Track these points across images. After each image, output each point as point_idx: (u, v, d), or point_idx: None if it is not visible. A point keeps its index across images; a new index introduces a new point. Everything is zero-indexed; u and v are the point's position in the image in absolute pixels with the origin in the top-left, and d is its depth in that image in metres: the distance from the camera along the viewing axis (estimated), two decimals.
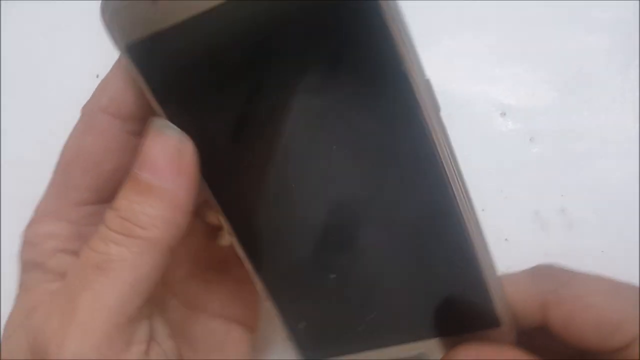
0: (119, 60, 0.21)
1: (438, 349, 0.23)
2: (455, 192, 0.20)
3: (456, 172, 0.20)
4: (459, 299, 0.22)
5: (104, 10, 0.19)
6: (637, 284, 0.22)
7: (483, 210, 0.33)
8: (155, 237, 0.19)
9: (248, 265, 0.23)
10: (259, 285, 0.23)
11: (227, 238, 0.26)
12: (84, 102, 0.36)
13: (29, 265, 0.23)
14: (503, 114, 0.34)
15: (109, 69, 0.37)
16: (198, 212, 0.26)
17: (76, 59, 0.36)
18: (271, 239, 0.22)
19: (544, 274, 0.22)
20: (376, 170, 0.21)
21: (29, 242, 0.23)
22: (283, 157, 0.20)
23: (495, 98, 0.34)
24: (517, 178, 0.33)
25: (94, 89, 0.22)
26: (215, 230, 0.27)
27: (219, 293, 0.26)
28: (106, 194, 0.22)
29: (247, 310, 0.27)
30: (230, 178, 0.21)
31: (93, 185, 0.22)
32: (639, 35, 0.34)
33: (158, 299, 0.23)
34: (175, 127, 0.20)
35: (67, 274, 0.21)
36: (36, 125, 0.35)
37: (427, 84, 0.19)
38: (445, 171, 0.20)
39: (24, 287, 0.23)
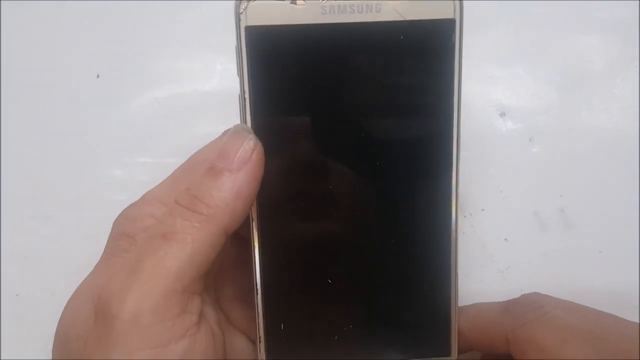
0: None
1: None
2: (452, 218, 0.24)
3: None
4: (425, 325, 0.25)
5: None
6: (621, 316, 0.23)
7: (483, 210, 0.33)
8: (215, 216, 0.22)
9: (254, 253, 0.24)
10: (256, 275, 0.24)
11: None
12: (83, 102, 0.36)
13: (120, 235, 0.25)
14: (503, 114, 0.34)
15: (109, 68, 0.38)
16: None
17: (76, 59, 0.36)
18: (286, 237, 0.25)
19: (516, 308, 0.25)
20: (381, 189, 0.24)
21: (128, 217, 0.25)
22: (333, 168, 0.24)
23: (495, 98, 0.34)
24: (516, 178, 0.33)
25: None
26: None
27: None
28: None
29: None
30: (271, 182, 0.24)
31: None
32: (639, 35, 0.34)
33: (212, 299, 0.26)
34: (251, 130, 0.24)
35: (137, 240, 0.24)
36: (36, 125, 0.35)
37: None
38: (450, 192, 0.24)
39: (107, 253, 0.25)
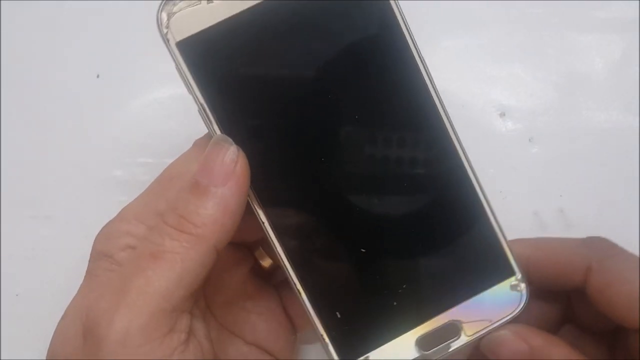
0: None
1: (464, 313, 0.25)
2: (464, 161, 0.24)
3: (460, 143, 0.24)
4: (478, 258, 0.25)
5: (161, 9, 0.22)
6: None
7: None
8: (204, 235, 0.22)
9: (284, 262, 0.24)
10: (292, 278, 0.24)
11: (267, 260, 0.28)
12: (83, 102, 0.36)
13: (100, 254, 0.24)
14: (502, 115, 0.34)
15: (109, 68, 0.38)
16: (249, 246, 0.29)
17: (76, 59, 0.36)
18: (308, 232, 0.24)
19: (595, 244, 0.25)
20: (398, 149, 0.24)
21: (106, 235, 0.25)
22: (323, 153, 0.24)
23: (495, 98, 0.34)
24: (516, 178, 0.33)
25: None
26: (263, 266, 0.29)
27: (255, 323, 0.28)
28: None
29: (280, 342, 0.28)
30: (271, 176, 0.24)
31: None
32: (639, 35, 0.34)
33: (201, 310, 0.25)
34: (231, 140, 0.23)
35: (124, 260, 0.23)
36: (36, 126, 0.35)
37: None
38: (453, 141, 0.24)
39: (89, 274, 0.25)
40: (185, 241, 0.22)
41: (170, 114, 0.34)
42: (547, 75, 0.34)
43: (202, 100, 0.23)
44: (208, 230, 0.22)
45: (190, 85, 0.23)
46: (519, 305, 0.25)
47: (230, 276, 0.27)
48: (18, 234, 0.34)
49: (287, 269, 0.24)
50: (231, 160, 0.22)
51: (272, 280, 0.30)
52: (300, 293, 0.24)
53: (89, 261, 0.25)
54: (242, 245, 0.28)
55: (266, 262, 0.29)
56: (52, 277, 0.33)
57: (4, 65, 0.36)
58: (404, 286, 0.24)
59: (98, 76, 0.35)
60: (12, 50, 0.36)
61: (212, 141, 0.23)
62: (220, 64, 0.23)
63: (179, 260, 0.21)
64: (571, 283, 0.25)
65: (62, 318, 0.24)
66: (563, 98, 0.34)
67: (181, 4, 0.22)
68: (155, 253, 0.22)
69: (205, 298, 0.26)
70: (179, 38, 0.22)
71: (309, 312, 0.24)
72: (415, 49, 0.23)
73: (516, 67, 0.35)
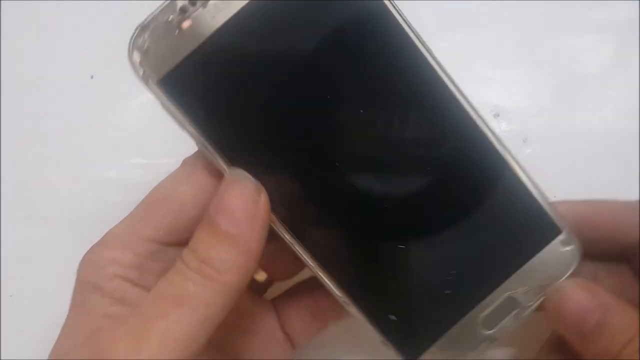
0: None
1: (519, 283, 0.24)
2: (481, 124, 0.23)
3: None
4: (518, 224, 0.24)
5: (131, 50, 0.21)
6: None
7: None
8: (229, 282, 0.21)
9: (323, 278, 0.23)
10: (339, 296, 0.23)
11: (262, 273, 0.27)
12: (77, 102, 0.36)
13: (87, 285, 0.23)
14: (496, 115, 0.34)
15: (103, 69, 0.37)
16: None
17: (69, 59, 0.36)
18: (343, 244, 0.24)
19: None
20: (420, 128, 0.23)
21: (91, 262, 0.23)
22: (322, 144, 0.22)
23: (489, 99, 0.34)
24: None
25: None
26: (257, 280, 0.28)
27: (251, 343, 0.27)
28: (179, 239, 0.23)
29: None
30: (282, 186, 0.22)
31: (170, 228, 0.23)
32: (639, 35, 0.34)
33: None
34: (249, 176, 0.21)
35: (141, 302, 0.22)
36: (30, 126, 0.35)
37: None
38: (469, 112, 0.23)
39: (80, 307, 0.23)
40: (209, 287, 0.20)
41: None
42: (541, 77, 0.35)
43: (199, 137, 0.21)
44: (232, 276, 0.21)
45: (183, 123, 0.21)
46: (571, 263, 0.24)
47: None
48: (12, 234, 0.34)
49: (329, 285, 0.23)
50: (254, 201, 0.21)
51: (268, 294, 0.29)
52: (348, 305, 0.23)
53: (74, 291, 0.23)
54: None
55: (260, 276, 0.28)
56: (45, 278, 0.33)
57: (4, 65, 0.36)
58: (453, 272, 0.24)
59: (92, 77, 0.35)
60: (12, 50, 0.36)
61: (228, 178, 0.22)
62: (210, 93, 0.21)
63: (203, 306, 0.20)
64: (622, 243, 0.24)
65: (62, 355, 0.22)
66: (557, 99, 0.34)
67: (151, 38, 0.20)
68: (177, 297, 0.20)
69: None
70: (159, 76, 0.21)
71: (363, 321, 0.23)
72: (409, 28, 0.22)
73: (510, 68, 0.35)
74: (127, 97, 0.35)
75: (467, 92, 0.35)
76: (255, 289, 0.28)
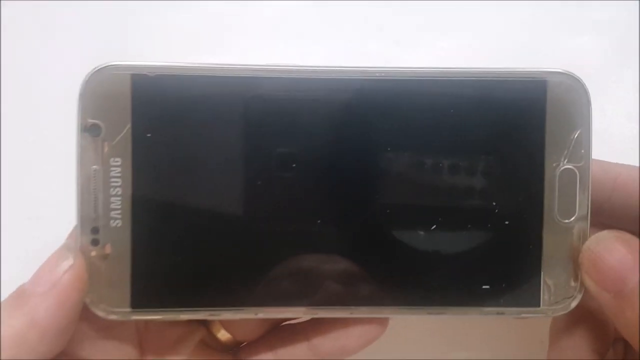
0: None
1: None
2: None
3: None
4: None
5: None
6: None
7: None
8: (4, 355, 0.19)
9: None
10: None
11: (224, 333, 0.27)
12: (75, 103, 0.36)
13: None
14: None
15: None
16: (208, 325, 0.26)
17: (68, 60, 0.35)
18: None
19: None
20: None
21: None
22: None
23: None
24: None
25: None
26: (219, 340, 0.27)
27: None
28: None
29: None
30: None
31: None
32: (639, 35, 0.34)
33: None
34: (74, 250, 0.22)
35: None
36: (29, 126, 0.35)
37: None
38: None
39: None
40: None
41: None
42: None
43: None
44: (6, 344, 0.19)
45: None
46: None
47: (186, 346, 0.25)
48: (11, 235, 0.34)
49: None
50: (61, 269, 0.21)
51: (234, 355, 0.27)
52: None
53: None
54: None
55: (223, 336, 0.26)
56: None
57: (3, 65, 0.36)
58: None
59: None
60: (12, 50, 0.36)
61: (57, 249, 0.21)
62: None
63: None
64: None
65: None
66: None
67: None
68: None
69: None
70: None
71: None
72: None
73: None
74: None
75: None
76: (214, 347, 0.26)
